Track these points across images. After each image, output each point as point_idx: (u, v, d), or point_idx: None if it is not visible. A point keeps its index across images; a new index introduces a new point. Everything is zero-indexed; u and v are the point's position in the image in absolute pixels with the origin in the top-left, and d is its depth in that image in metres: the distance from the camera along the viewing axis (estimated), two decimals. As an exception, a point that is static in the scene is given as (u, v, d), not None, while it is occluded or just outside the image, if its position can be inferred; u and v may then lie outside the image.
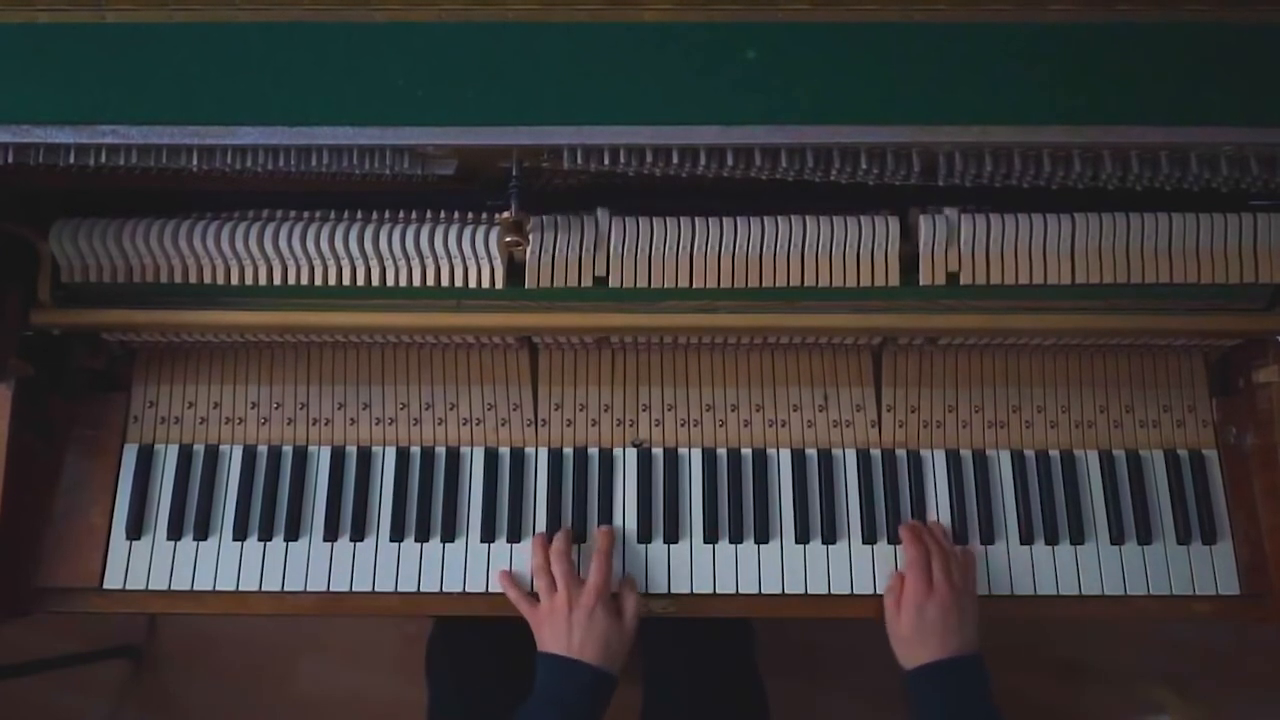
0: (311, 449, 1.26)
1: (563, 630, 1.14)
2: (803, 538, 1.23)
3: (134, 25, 1.02)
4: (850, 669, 1.98)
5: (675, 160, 1.01)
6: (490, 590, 1.22)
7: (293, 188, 1.11)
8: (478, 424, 1.27)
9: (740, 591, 1.22)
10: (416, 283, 1.14)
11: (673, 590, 1.22)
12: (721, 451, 1.26)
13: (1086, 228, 1.13)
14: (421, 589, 1.22)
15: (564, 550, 1.19)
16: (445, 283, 1.15)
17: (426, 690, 1.47)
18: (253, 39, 1.01)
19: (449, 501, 1.24)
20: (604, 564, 1.18)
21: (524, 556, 1.22)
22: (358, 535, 1.23)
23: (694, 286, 1.14)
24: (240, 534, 1.23)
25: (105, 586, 1.21)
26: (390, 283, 1.14)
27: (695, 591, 1.22)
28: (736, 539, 1.23)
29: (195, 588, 1.21)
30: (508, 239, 1.09)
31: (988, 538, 1.23)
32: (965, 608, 1.14)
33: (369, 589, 1.22)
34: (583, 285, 1.14)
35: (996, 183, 1.04)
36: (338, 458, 1.26)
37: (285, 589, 1.22)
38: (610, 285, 1.14)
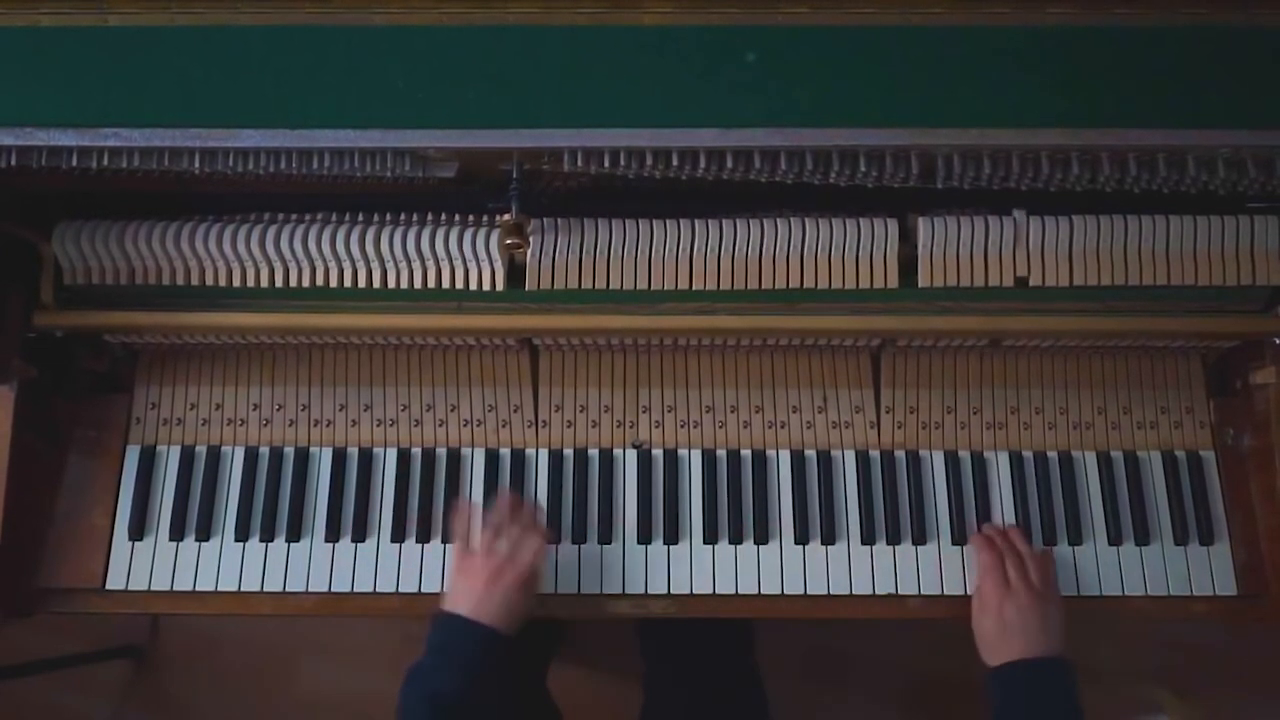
0: (313, 450, 1.27)
1: (478, 594, 1.10)
2: (802, 538, 1.23)
3: (136, 28, 1.02)
4: (849, 669, 1.98)
5: (675, 163, 1.02)
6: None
7: (294, 190, 1.11)
8: (478, 425, 1.28)
9: (740, 592, 1.22)
10: (417, 285, 1.15)
11: (672, 591, 1.22)
12: (721, 452, 1.27)
13: (1084, 230, 1.13)
14: (422, 589, 1.22)
15: (523, 519, 1.16)
16: (446, 285, 1.15)
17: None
18: (254, 42, 1.02)
19: (450, 502, 1.25)
20: (536, 550, 1.14)
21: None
22: (359, 536, 1.24)
23: (694, 288, 1.15)
24: (242, 535, 1.24)
25: (107, 587, 1.22)
26: (391, 284, 1.15)
27: (695, 592, 1.22)
28: (736, 540, 1.24)
29: (197, 588, 1.22)
30: (508, 241, 1.09)
31: (986, 538, 1.23)
32: (1048, 610, 1.14)
33: (370, 589, 1.22)
34: (583, 287, 1.15)
35: (995, 185, 1.04)
36: (339, 459, 1.26)
37: (287, 589, 1.22)
38: (610, 287, 1.15)
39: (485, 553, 1.14)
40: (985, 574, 1.17)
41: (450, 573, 1.16)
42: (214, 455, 1.26)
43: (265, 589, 1.22)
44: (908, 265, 1.15)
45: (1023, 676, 1.10)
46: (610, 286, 1.15)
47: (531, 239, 1.13)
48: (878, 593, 1.21)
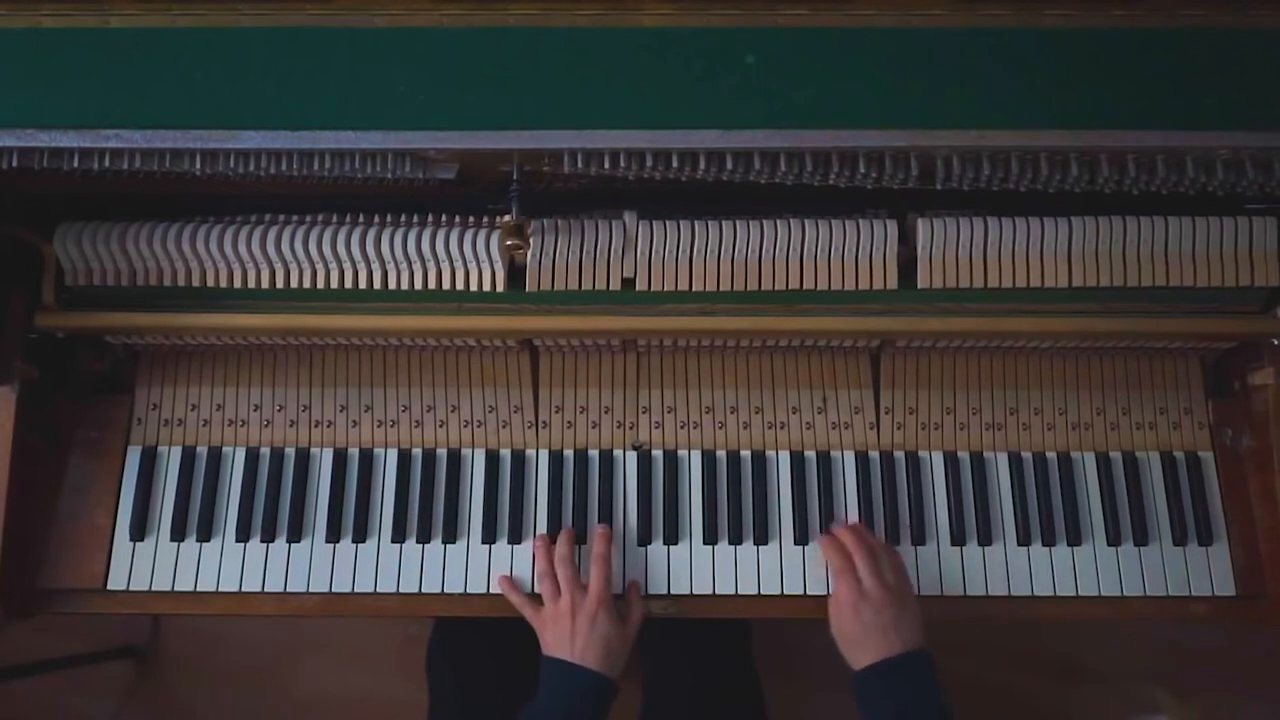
0: (314, 451, 1.27)
1: (566, 635, 1.15)
2: (801, 539, 1.24)
3: (137, 30, 1.02)
4: (847, 671, 1.98)
5: (675, 164, 1.02)
6: (491, 591, 1.22)
7: (295, 191, 1.12)
8: (479, 426, 1.28)
9: (739, 592, 1.22)
10: (418, 286, 1.15)
11: (672, 591, 1.23)
12: (721, 453, 1.27)
13: (1083, 231, 1.13)
14: (423, 590, 1.22)
15: (567, 555, 1.20)
16: (446, 286, 1.15)
17: (427, 690, 1.48)
18: (255, 44, 1.02)
19: (450, 503, 1.25)
20: (603, 569, 1.18)
21: (525, 558, 1.23)
22: (360, 536, 1.24)
23: (694, 290, 1.15)
24: (243, 535, 1.24)
25: (109, 587, 1.22)
26: (392, 286, 1.15)
27: (695, 592, 1.23)
28: (736, 540, 1.24)
29: (199, 589, 1.22)
30: (509, 242, 1.09)
31: (985, 539, 1.24)
32: (902, 604, 1.13)
33: (371, 590, 1.23)
34: (583, 288, 1.15)
35: (994, 186, 1.04)
36: (340, 459, 1.27)
37: (288, 590, 1.22)
38: (611, 288, 1.15)
39: (552, 601, 1.18)
40: (837, 578, 1.16)
41: (539, 632, 1.19)
42: (215, 456, 1.27)
43: (266, 589, 1.22)
44: (907, 266, 1.15)
45: (886, 677, 1.11)
46: (610, 287, 1.15)
47: (532, 240, 1.13)
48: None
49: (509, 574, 1.23)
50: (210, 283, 1.15)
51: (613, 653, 1.14)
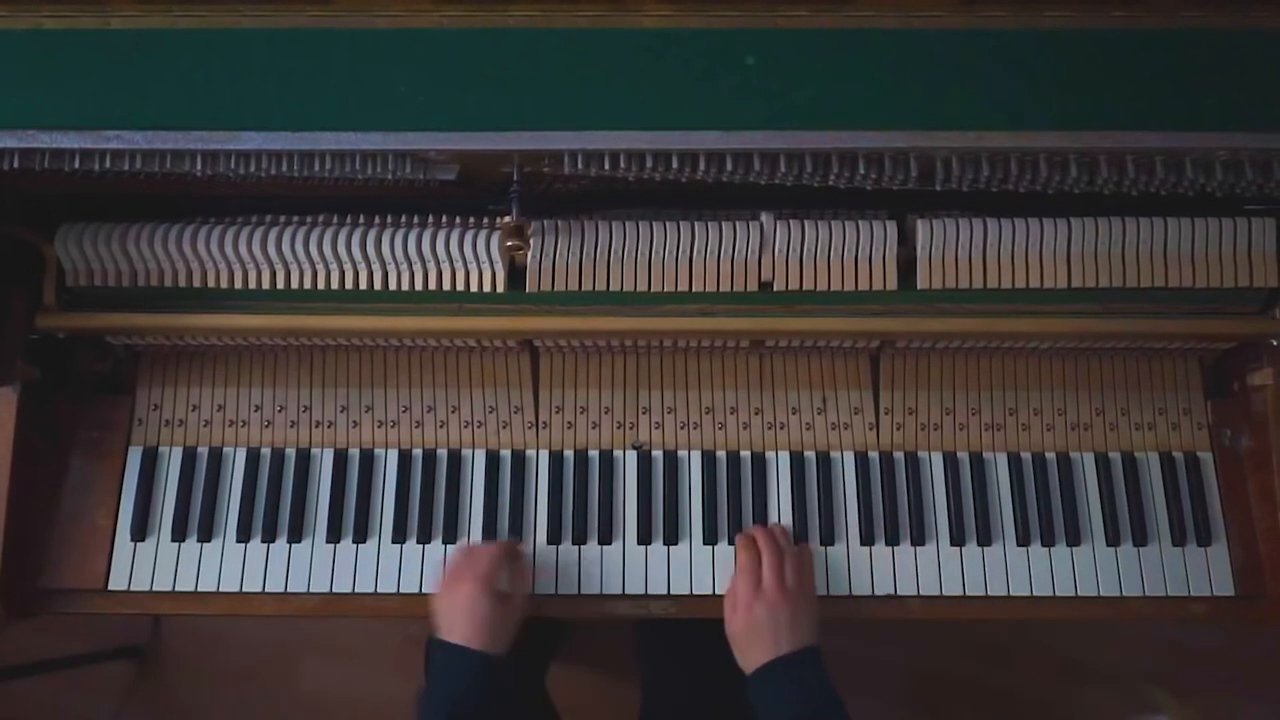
0: (314, 451, 1.27)
1: (446, 610, 1.13)
2: (801, 539, 1.24)
3: (138, 31, 1.03)
4: (845, 670, 1.96)
5: (675, 165, 1.02)
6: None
7: (296, 192, 1.12)
8: (479, 426, 1.28)
9: (739, 593, 1.22)
10: (418, 287, 1.16)
11: (672, 591, 1.23)
12: (721, 454, 1.27)
13: (1083, 232, 1.14)
14: (423, 590, 1.22)
15: (476, 549, 1.19)
16: (447, 287, 1.16)
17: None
18: (256, 45, 1.02)
19: (451, 503, 1.25)
20: (490, 551, 1.17)
21: (525, 558, 1.23)
22: (360, 537, 1.24)
23: (693, 290, 1.15)
24: (244, 535, 1.24)
25: (110, 588, 1.22)
26: (392, 287, 1.16)
27: (695, 592, 1.23)
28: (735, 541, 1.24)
29: (199, 589, 1.22)
30: (509, 243, 1.09)
31: (985, 539, 1.24)
32: (798, 608, 1.13)
33: (371, 590, 1.23)
34: (583, 289, 1.15)
35: (993, 188, 1.04)
36: (340, 460, 1.27)
37: (288, 590, 1.23)
38: (610, 289, 1.15)
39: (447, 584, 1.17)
40: (739, 574, 1.17)
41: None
42: (216, 456, 1.27)
43: (267, 589, 1.23)
44: (906, 267, 1.16)
45: (776, 676, 1.11)
46: (610, 288, 1.15)
47: (532, 241, 1.13)
48: (876, 594, 1.22)
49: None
50: (211, 283, 1.16)
51: (493, 631, 1.12)
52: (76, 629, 2.07)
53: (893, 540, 1.24)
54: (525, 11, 1.02)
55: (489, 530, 1.24)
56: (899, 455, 1.27)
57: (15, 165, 1.01)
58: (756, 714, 1.11)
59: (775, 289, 1.15)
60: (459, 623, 1.12)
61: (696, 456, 1.27)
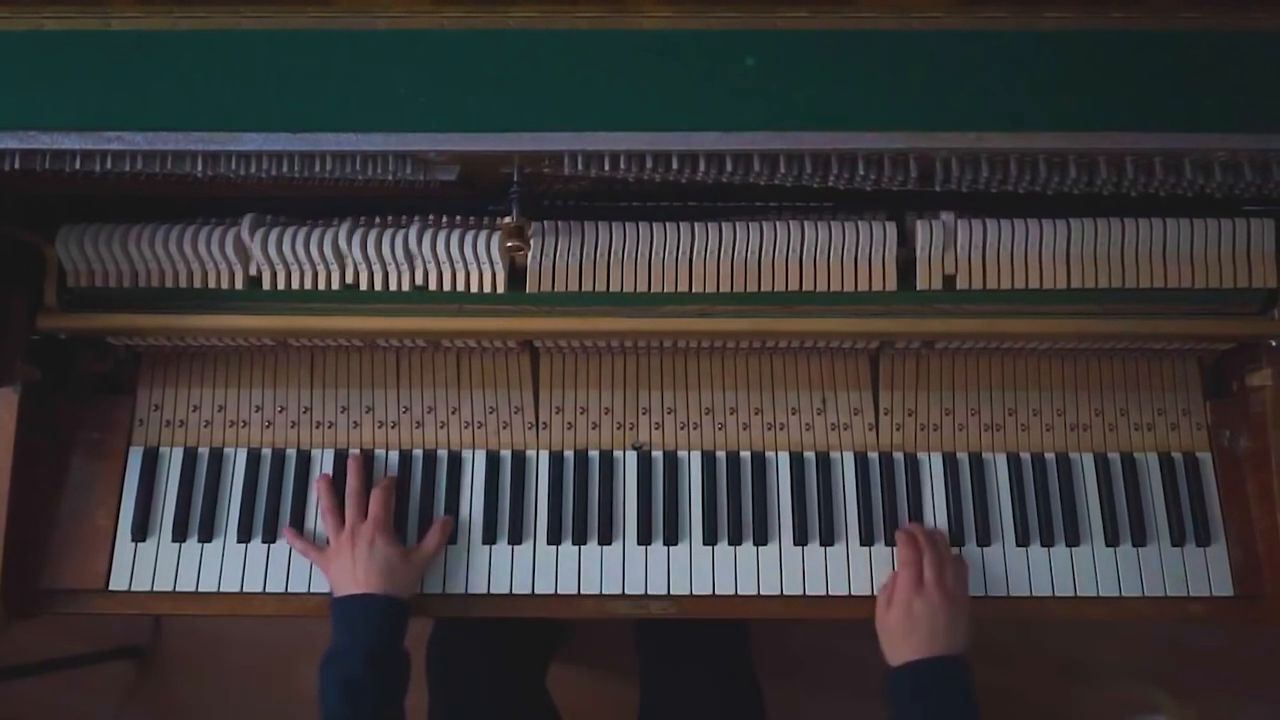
0: (315, 452, 1.28)
1: (348, 565, 1.16)
2: (801, 540, 1.24)
3: (139, 32, 1.03)
4: (846, 671, 1.98)
5: (675, 166, 1.02)
6: (491, 592, 1.23)
7: (296, 193, 1.12)
8: (479, 427, 1.28)
9: (739, 593, 1.23)
10: (419, 287, 1.16)
11: (672, 591, 1.23)
12: (720, 454, 1.27)
13: (1082, 233, 1.14)
14: (423, 590, 1.22)
15: (356, 488, 1.22)
16: (447, 287, 1.16)
17: (427, 691, 1.48)
18: (256, 46, 1.02)
19: (451, 504, 1.25)
20: (383, 495, 1.20)
21: (525, 558, 1.24)
22: (360, 537, 1.24)
23: (693, 291, 1.15)
24: (244, 536, 1.24)
25: (110, 588, 1.22)
26: (393, 287, 1.16)
27: (694, 593, 1.23)
28: (735, 541, 1.24)
29: (200, 589, 1.23)
30: (509, 244, 1.10)
31: (984, 540, 1.24)
32: (955, 613, 1.14)
33: (371, 590, 1.23)
34: (583, 290, 1.15)
35: (993, 188, 1.04)
36: (341, 461, 1.27)
37: (289, 590, 1.23)
38: (610, 290, 1.15)
39: (334, 533, 1.20)
40: (903, 568, 1.17)
41: (328, 577, 1.20)
42: (216, 457, 1.27)
43: (267, 590, 1.23)
44: (906, 268, 1.16)
45: (922, 676, 1.11)
46: (610, 289, 1.15)
47: (532, 242, 1.13)
48: (876, 594, 1.22)
49: (292, 527, 1.24)
50: (212, 284, 1.16)
51: (396, 574, 1.15)
52: (77, 629, 2.07)
53: (892, 541, 1.24)
54: (525, 13, 1.02)
55: (489, 530, 1.24)
56: (898, 455, 1.27)
57: (16, 166, 1.01)
58: (889, 706, 1.12)
59: (775, 289, 1.15)
60: (360, 575, 1.14)
61: (696, 457, 1.27)
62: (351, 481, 1.23)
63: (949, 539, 1.24)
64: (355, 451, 1.26)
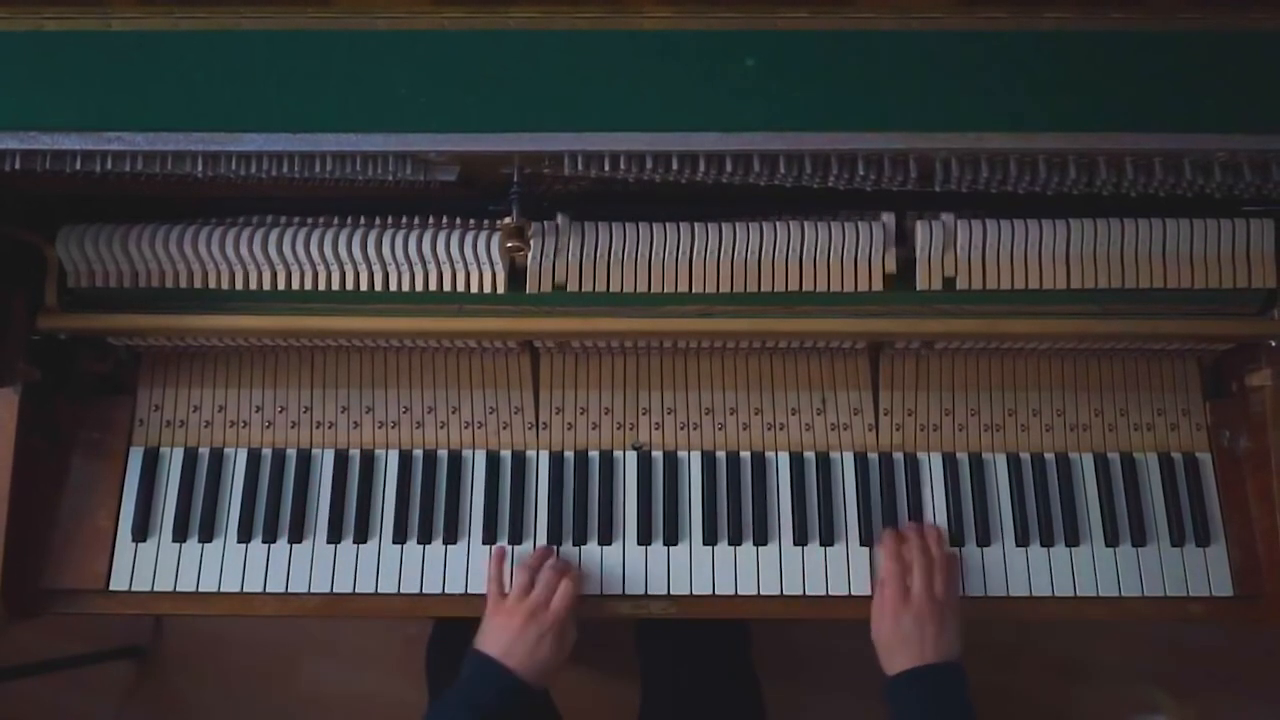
0: (315, 452, 1.28)
1: (507, 632, 1.14)
2: (800, 540, 1.24)
3: (139, 33, 1.03)
4: (846, 671, 1.98)
5: (675, 166, 1.02)
6: (492, 591, 1.23)
7: (297, 193, 1.12)
8: (479, 427, 1.28)
9: (739, 593, 1.23)
10: (419, 288, 1.16)
11: (672, 592, 1.23)
12: (720, 454, 1.27)
13: (1082, 233, 1.14)
14: (424, 590, 1.23)
15: (557, 567, 1.20)
16: (447, 288, 1.16)
17: (427, 691, 1.48)
18: (257, 46, 1.02)
19: (451, 504, 1.25)
20: (572, 592, 1.17)
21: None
22: (361, 537, 1.25)
23: (693, 291, 1.15)
24: (245, 536, 1.24)
25: (111, 588, 1.22)
26: (393, 288, 1.16)
27: (694, 593, 1.23)
28: (735, 541, 1.24)
29: (200, 589, 1.23)
30: (509, 244, 1.10)
31: (984, 540, 1.24)
32: (945, 618, 1.14)
33: (372, 591, 1.23)
34: (583, 290, 1.15)
35: (993, 189, 1.05)
36: (341, 460, 1.27)
37: (289, 590, 1.23)
38: (610, 290, 1.15)
39: (519, 595, 1.17)
40: (886, 581, 1.17)
41: (486, 615, 1.18)
42: (217, 457, 1.27)
43: (268, 590, 1.23)
44: (906, 268, 1.16)
45: (917, 685, 1.12)
46: (610, 289, 1.15)
47: (532, 242, 1.13)
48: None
49: (507, 551, 1.23)
50: (212, 284, 1.16)
51: (543, 672, 1.14)
52: (77, 629, 2.07)
53: (892, 541, 1.24)
54: (525, 13, 1.03)
55: (489, 531, 1.24)
56: (898, 456, 1.27)
57: (17, 166, 1.01)
58: (891, 714, 1.12)
59: (775, 289, 1.15)
60: (518, 652, 1.13)
61: (696, 457, 1.27)
62: (555, 560, 1.22)
63: (949, 539, 1.24)
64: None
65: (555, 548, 1.23)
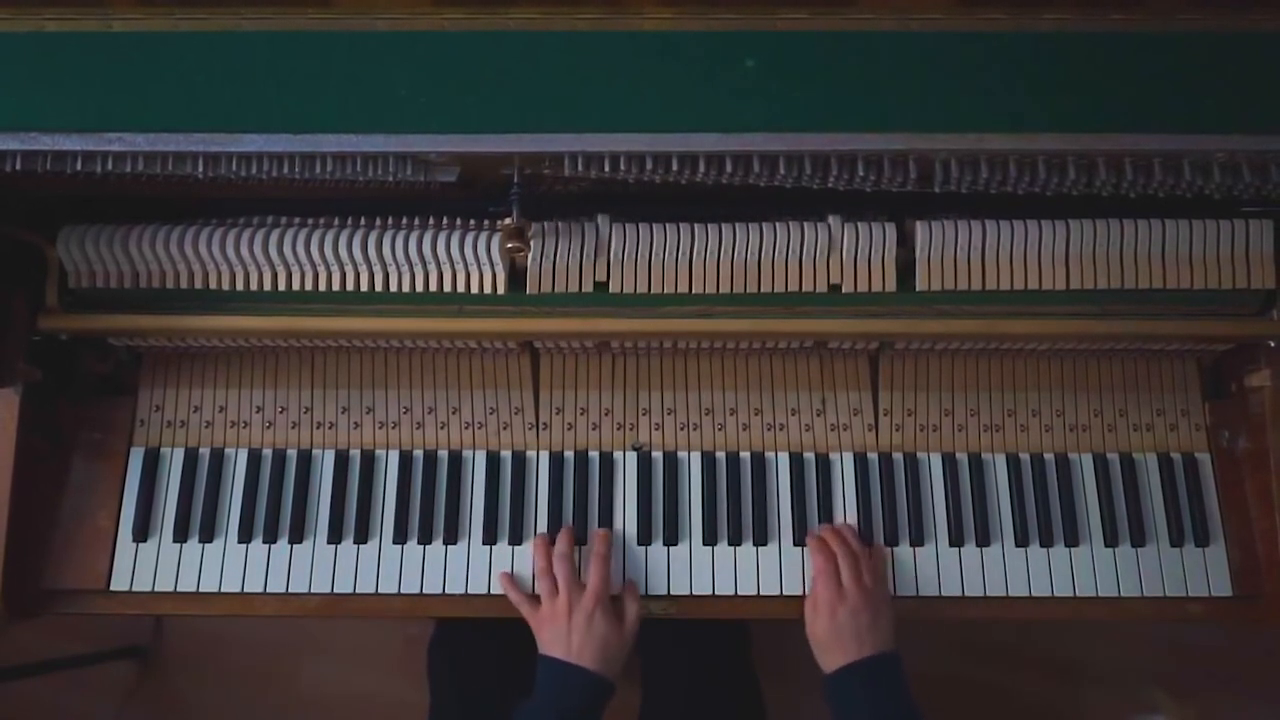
0: (315, 452, 1.28)
1: (563, 633, 1.15)
2: (800, 540, 1.24)
3: (140, 34, 1.03)
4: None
5: (675, 167, 1.02)
6: (492, 592, 1.23)
7: (297, 194, 1.12)
8: (480, 427, 1.28)
9: (739, 593, 1.23)
10: (419, 288, 1.16)
11: (672, 592, 1.23)
12: (720, 455, 1.27)
13: (1081, 234, 1.14)
14: (424, 591, 1.23)
15: (566, 553, 1.20)
16: (447, 288, 1.16)
17: (428, 691, 1.48)
18: (257, 47, 1.02)
19: (451, 504, 1.25)
20: (602, 568, 1.19)
21: (525, 559, 1.24)
22: (361, 537, 1.25)
23: (693, 292, 1.15)
24: (245, 536, 1.24)
25: (112, 588, 1.22)
26: (393, 288, 1.16)
27: (694, 593, 1.23)
28: (735, 541, 1.24)
29: (201, 589, 1.23)
30: (509, 245, 1.10)
31: (983, 540, 1.24)
32: (878, 608, 1.15)
33: (373, 591, 1.23)
34: (583, 291, 1.16)
35: (992, 189, 1.05)
36: (341, 461, 1.27)
37: (290, 591, 1.23)
38: (610, 291, 1.16)
39: (549, 597, 1.18)
40: (818, 578, 1.18)
41: (535, 633, 1.19)
42: (217, 457, 1.27)
43: (268, 590, 1.23)
44: (906, 269, 1.16)
45: (857, 678, 1.12)
46: (610, 290, 1.16)
47: (532, 243, 1.14)
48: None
49: (509, 571, 1.23)
50: (213, 285, 1.16)
51: (610, 652, 1.15)
52: (78, 629, 2.07)
53: (892, 541, 1.24)
54: (525, 14, 1.03)
55: (489, 531, 1.24)
56: (898, 456, 1.27)
57: (17, 167, 1.01)
58: (833, 711, 1.13)
59: (775, 290, 1.15)
60: (576, 643, 1.14)
61: (696, 457, 1.27)
62: (560, 546, 1.21)
63: (949, 539, 1.24)
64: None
65: (550, 540, 1.23)
